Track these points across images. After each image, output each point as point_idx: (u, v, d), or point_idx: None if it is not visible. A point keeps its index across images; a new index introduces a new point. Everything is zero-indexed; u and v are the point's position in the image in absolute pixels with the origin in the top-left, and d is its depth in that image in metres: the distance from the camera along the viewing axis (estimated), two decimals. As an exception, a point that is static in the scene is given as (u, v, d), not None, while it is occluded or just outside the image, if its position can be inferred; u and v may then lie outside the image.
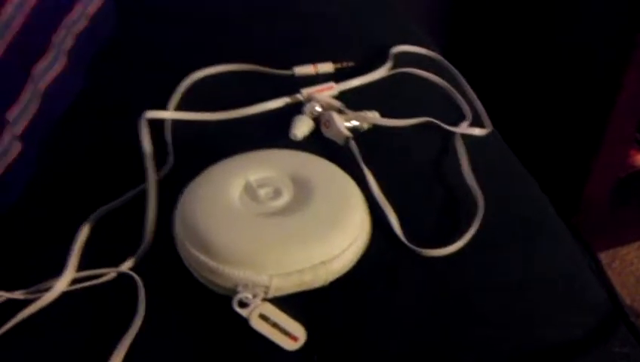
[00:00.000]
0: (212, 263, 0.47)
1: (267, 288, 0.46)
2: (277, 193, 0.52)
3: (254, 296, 0.46)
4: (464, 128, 0.66)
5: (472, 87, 0.76)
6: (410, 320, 0.49)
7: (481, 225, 0.55)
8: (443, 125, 0.66)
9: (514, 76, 1.38)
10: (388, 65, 0.75)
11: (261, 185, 0.52)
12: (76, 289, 0.50)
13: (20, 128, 0.61)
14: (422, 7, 1.54)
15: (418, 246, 0.53)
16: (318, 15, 0.86)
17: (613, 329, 0.48)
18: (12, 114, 0.60)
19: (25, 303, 0.48)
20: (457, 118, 0.69)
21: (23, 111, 0.62)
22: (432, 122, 0.67)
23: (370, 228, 0.53)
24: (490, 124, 0.70)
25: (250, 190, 0.52)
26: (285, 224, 0.49)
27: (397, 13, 0.91)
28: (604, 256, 1.30)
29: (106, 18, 0.80)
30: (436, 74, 0.76)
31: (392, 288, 0.51)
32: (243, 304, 0.46)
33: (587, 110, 1.17)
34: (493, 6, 1.42)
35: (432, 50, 0.81)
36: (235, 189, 0.52)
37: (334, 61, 0.75)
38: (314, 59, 0.75)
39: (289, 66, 0.74)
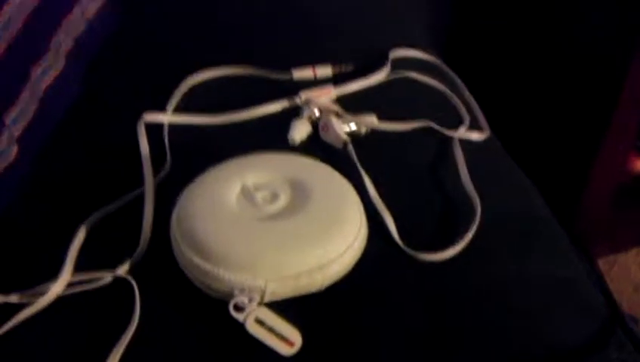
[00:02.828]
0: (208, 267, 0.47)
1: (263, 292, 0.46)
2: (274, 197, 0.52)
3: (250, 301, 0.46)
4: (462, 133, 0.66)
5: (472, 92, 0.76)
6: (406, 324, 0.48)
7: (478, 230, 0.55)
8: (441, 129, 0.66)
9: (513, 80, 1.38)
10: (386, 69, 0.75)
11: (258, 189, 0.52)
12: (72, 293, 0.50)
13: (17, 131, 0.61)
14: (422, 10, 1.54)
15: (415, 250, 0.53)
16: (317, 18, 0.86)
17: (611, 334, 0.48)
18: (10, 116, 0.60)
19: (20, 307, 0.48)
20: (455, 123, 0.69)
21: (21, 113, 0.62)
22: (430, 126, 0.67)
23: (367, 233, 0.53)
24: (488, 129, 0.70)
25: (247, 194, 0.52)
26: (282, 228, 0.49)
27: (397, 17, 0.91)
28: (602, 263, 1.29)
29: (105, 20, 0.80)
30: (435, 78, 0.76)
31: (388, 292, 0.50)
32: (239, 308, 0.46)
33: (587, 115, 1.17)
34: (493, 9, 1.42)
35: (431, 54, 0.81)
36: (232, 193, 0.52)
37: (333, 64, 0.75)
38: (313, 63, 0.75)
39: (288, 69, 0.74)
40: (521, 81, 1.36)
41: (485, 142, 0.68)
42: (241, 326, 0.46)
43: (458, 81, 0.78)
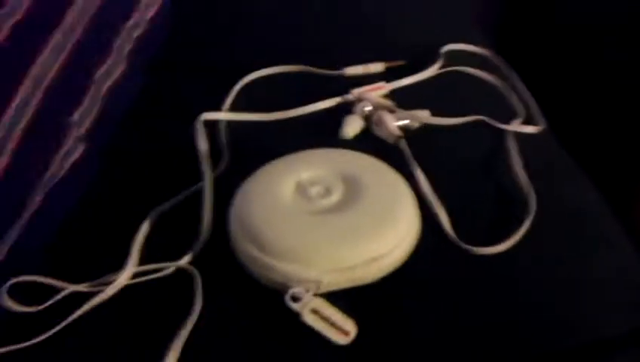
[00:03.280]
0: (265, 259, 0.49)
1: (319, 283, 0.48)
2: (328, 191, 0.53)
3: (306, 291, 0.47)
4: (516, 126, 0.66)
5: (527, 85, 0.75)
6: (459, 317, 0.49)
7: (532, 224, 0.55)
8: (494, 123, 0.66)
9: (569, 73, 1.36)
10: (438, 63, 0.75)
11: (312, 184, 0.53)
12: (137, 283, 0.52)
13: (83, 129, 0.64)
14: (474, 3, 1.53)
15: (469, 244, 0.53)
16: (368, 16, 0.87)
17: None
18: (75, 115, 0.63)
19: (89, 296, 0.51)
20: (509, 116, 0.69)
21: (86, 113, 0.65)
22: (483, 120, 0.67)
23: (421, 226, 0.53)
24: (544, 122, 0.69)
25: (301, 188, 0.53)
26: (336, 221, 0.50)
27: (448, 11, 0.90)
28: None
29: (164, 21, 0.83)
30: (488, 71, 0.76)
31: (441, 285, 0.51)
32: (295, 298, 0.47)
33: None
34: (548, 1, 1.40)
35: (484, 48, 0.80)
36: (287, 188, 0.53)
37: (385, 60, 0.76)
38: (364, 60, 0.76)
39: (340, 67, 0.75)
40: (576, 74, 1.33)
41: (540, 135, 0.67)
42: (297, 317, 0.47)
43: (512, 74, 0.77)
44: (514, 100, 0.71)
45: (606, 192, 0.62)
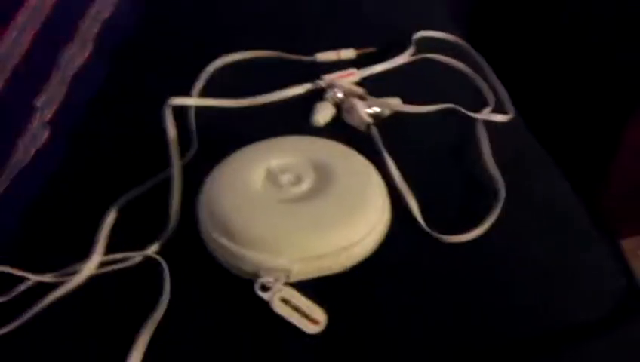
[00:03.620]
0: (235, 248, 0.48)
1: (288, 272, 0.47)
2: (298, 179, 0.52)
3: (276, 280, 0.47)
4: (486, 114, 0.66)
5: (497, 73, 0.76)
6: (429, 304, 0.49)
7: (501, 212, 0.55)
8: (465, 111, 0.66)
9: (539, 61, 1.37)
10: (410, 50, 0.75)
11: (283, 172, 0.53)
12: (104, 273, 0.52)
13: (48, 114, 0.63)
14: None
15: (438, 232, 0.54)
16: (341, 2, 0.86)
17: (632, 315, 0.48)
18: (40, 100, 0.61)
19: (54, 286, 0.50)
20: (480, 104, 0.69)
21: (51, 98, 0.64)
22: (454, 108, 0.67)
23: (391, 215, 0.53)
24: (513, 110, 0.70)
25: (272, 176, 0.53)
26: (306, 210, 0.49)
27: (420, 1, 0.90)
28: (631, 242, 1.28)
29: (132, 5, 0.81)
30: (459, 59, 0.76)
31: (411, 273, 0.51)
32: (265, 288, 0.47)
33: (614, 91, 1.15)
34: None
35: (455, 35, 0.80)
36: (257, 175, 0.53)
37: (356, 47, 0.75)
38: (337, 45, 0.76)
39: (311, 53, 0.75)
40: (547, 62, 1.35)
41: (510, 123, 0.68)
42: (267, 305, 0.47)
43: (483, 62, 0.77)
44: (484, 89, 0.72)
45: (577, 177, 0.63)
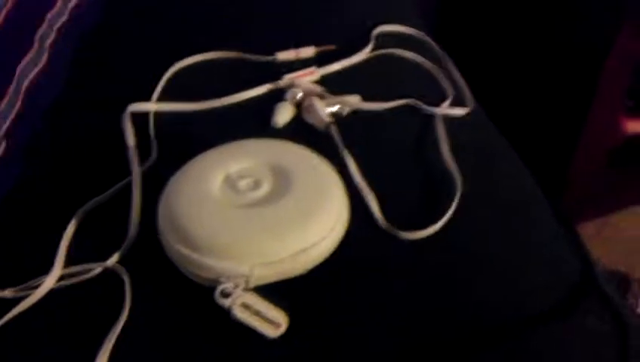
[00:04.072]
0: (193, 255, 0.48)
1: (248, 278, 0.48)
2: (257, 184, 0.53)
3: (236, 286, 0.47)
4: (444, 109, 0.67)
5: (463, 66, 0.76)
6: (391, 303, 0.50)
7: (459, 206, 0.56)
8: (423, 106, 0.67)
9: (502, 52, 1.38)
10: (369, 47, 0.75)
11: (241, 177, 0.53)
12: (64, 286, 0.51)
13: (4, 126, 0.62)
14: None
15: (398, 229, 0.54)
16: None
17: (587, 302, 0.49)
18: (-4, 113, 0.61)
19: (14, 301, 0.50)
20: (439, 98, 0.70)
21: (8, 108, 0.63)
22: (413, 104, 0.67)
23: (350, 215, 0.54)
24: (473, 103, 0.70)
25: (230, 181, 0.53)
26: (264, 214, 0.50)
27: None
28: (593, 224, 1.31)
29: (88, 11, 0.80)
30: (419, 53, 0.76)
31: (372, 271, 0.52)
32: (225, 294, 0.47)
33: (574, 80, 1.17)
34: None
35: (416, 29, 0.81)
36: (215, 181, 0.53)
37: (316, 45, 0.75)
38: (297, 44, 0.76)
39: (272, 52, 0.75)
40: (509, 52, 1.36)
41: (470, 116, 0.68)
42: (228, 312, 0.47)
43: (443, 55, 0.78)
44: (444, 82, 0.72)
45: (541, 164, 0.64)
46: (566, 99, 1.20)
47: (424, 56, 0.76)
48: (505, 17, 1.35)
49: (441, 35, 0.83)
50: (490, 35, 1.41)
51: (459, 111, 0.67)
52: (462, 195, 0.57)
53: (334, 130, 0.63)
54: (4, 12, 0.64)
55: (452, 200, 0.56)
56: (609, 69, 1.08)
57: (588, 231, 1.34)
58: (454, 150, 0.62)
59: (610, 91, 1.12)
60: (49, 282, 0.51)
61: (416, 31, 0.80)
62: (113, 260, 0.52)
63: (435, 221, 0.55)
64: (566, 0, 1.16)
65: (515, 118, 1.31)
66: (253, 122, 0.66)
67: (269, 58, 0.74)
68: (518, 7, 1.31)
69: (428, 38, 0.80)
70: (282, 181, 0.53)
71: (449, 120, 0.66)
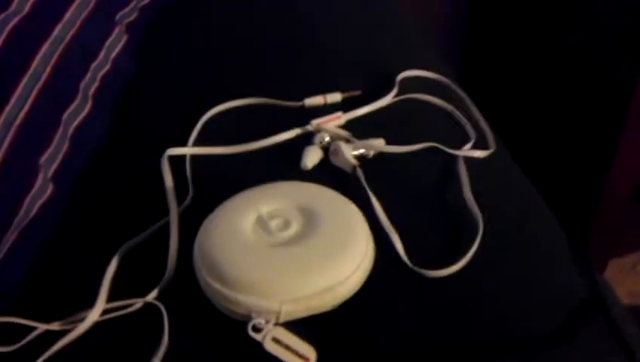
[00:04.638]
0: (227, 292, 0.51)
1: (278, 313, 0.50)
2: (286, 224, 0.56)
3: (267, 321, 0.50)
4: (466, 151, 0.70)
5: (490, 106, 0.78)
6: (414, 338, 0.52)
7: (480, 245, 0.58)
8: (445, 149, 0.70)
9: (529, 91, 1.40)
10: (393, 91, 0.79)
11: (272, 217, 0.56)
12: (107, 319, 0.55)
13: (52, 170, 0.66)
14: (438, 31, 1.58)
15: (421, 267, 0.57)
16: (328, 48, 0.90)
17: (606, 346, 0.51)
18: (44, 157, 0.65)
19: (61, 334, 0.53)
20: (462, 140, 0.72)
21: (55, 153, 0.68)
22: (435, 146, 0.70)
23: (374, 253, 0.56)
24: (495, 145, 0.73)
25: (261, 222, 0.56)
26: (293, 253, 0.53)
27: (407, 42, 0.94)
28: (629, 259, 1.31)
29: (129, 59, 0.85)
30: (442, 97, 0.79)
31: (396, 308, 0.54)
32: (257, 329, 0.50)
33: (601, 118, 1.19)
34: (506, 26, 1.45)
35: (438, 73, 0.84)
36: (248, 222, 0.56)
37: (342, 91, 0.79)
38: (325, 90, 0.80)
39: (300, 98, 0.79)
40: (536, 91, 1.38)
41: (492, 157, 0.71)
42: (260, 346, 0.50)
43: (466, 98, 0.81)
44: (466, 125, 0.75)
45: (569, 200, 0.65)
46: (593, 136, 1.22)
47: (446, 99, 0.79)
48: (530, 55, 1.38)
49: (466, 78, 0.86)
50: (515, 71, 1.44)
51: (480, 154, 0.70)
52: (482, 234, 0.59)
53: (360, 172, 0.66)
54: (52, 62, 0.69)
55: (473, 239, 0.59)
56: (635, 106, 1.10)
57: (624, 265, 1.34)
58: (476, 190, 0.64)
59: (636, 130, 1.14)
60: (93, 315, 0.54)
61: (439, 75, 0.84)
62: (153, 295, 0.56)
63: (456, 259, 0.57)
64: (592, 36, 1.19)
65: (543, 156, 1.33)
66: (283, 165, 0.70)
67: (298, 104, 0.78)
68: (542, 45, 1.34)
69: (450, 82, 0.83)
70: (310, 221, 0.56)
71: (472, 161, 0.69)
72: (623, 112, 1.13)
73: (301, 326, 0.51)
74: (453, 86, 0.83)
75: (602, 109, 1.19)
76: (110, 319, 0.55)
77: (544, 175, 1.28)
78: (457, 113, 0.77)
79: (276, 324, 0.51)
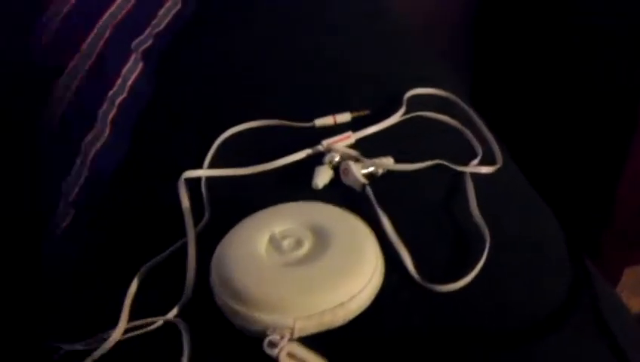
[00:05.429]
0: (243, 310, 0.54)
1: (292, 329, 0.53)
2: (298, 243, 0.58)
3: (282, 337, 0.52)
4: (472, 167, 0.72)
5: (500, 113, 0.80)
6: (424, 350, 0.54)
7: (487, 260, 0.60)
8: (452, 166, 0.72)
9: (540, 105, 1.42)
10: (401, 110, 0.81)
11: (284, 237, 0.59)
12: (129, 337, 0.57)
13: (72, 196, 0.69)
14: (447, 42, 1.60)
15: (430, 282, 0.58)
16: (338, 66, 0.93)
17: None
18: (65, 184, 0.68)
19: (85, 353, 0.56)
20: (469, 157, 0.74)
21: (75, 179, 0.71)
22: (442, 164, 0.72)
23: (385, 268, 0.58)
24: (502, 160, 0.74)
25: (274, 242, 0.58)
26: (306, 272, 0.55)
27: (416, 54, 0.96)
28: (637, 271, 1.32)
29: (145, 85, 0.88)
30: (449, 114, 0.81)
31: (406, 323, 0.56)
32: (273, 344, 0.52)
33: (612, 124, 1.20)
34: (514, 32, 1.47)
35: (446, 89, 0.86)
36: (262, 242, 0.58)
37: (351, 110, 0.81)
38: (335, 110, 0.82)
39: (310, 118, 0.81)
40: (545, 98, 1.40)
41: (499, 171, 0.73)
42: (275, 361, 0.52)
43: (473, 114, 0.82)
44: (473, 141, 0.77)
45: (580, 213, 0.67)
46: (604, 143, 1.23)
47: (453, 116, 0.81)
48: (538, 61, 1.40)
49: (475, 85, 0.88)
50: (523, 77, 1.46)
51: (487, 169, 0.72)
52: (490, 248, 0.61)
53: (369, 191, 0.68)
54: (72, 89, 0.72)
55: (481, 253, 0.61)
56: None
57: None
58: (483, 206, 0.66)
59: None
60: (116, 334, 0.57)
61: (445, 92, 0.86)
62: (173, 314, 0.58)
63: (465, 274, 0.59)
64: (601, 43, 1.20)
65: (555, 164, 1.34)
66: (295, 184, 0.72)
67: (309, 124, 0.81)
68: (550, 51, 1.35)
69: (457, 98, 0.85)
70: (321, 240, 0.58)
71: (479, 177, 0.71)
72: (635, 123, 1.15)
73: (314, 341, 0.53)
74: (460, 102, 0.85)
75: (613, 117, 1.20)
76: (132, 337, 0.57)
77: (555, 182, 1.29)
78: (464, 129, 0.79)
79: (291, 340, 0.53)
